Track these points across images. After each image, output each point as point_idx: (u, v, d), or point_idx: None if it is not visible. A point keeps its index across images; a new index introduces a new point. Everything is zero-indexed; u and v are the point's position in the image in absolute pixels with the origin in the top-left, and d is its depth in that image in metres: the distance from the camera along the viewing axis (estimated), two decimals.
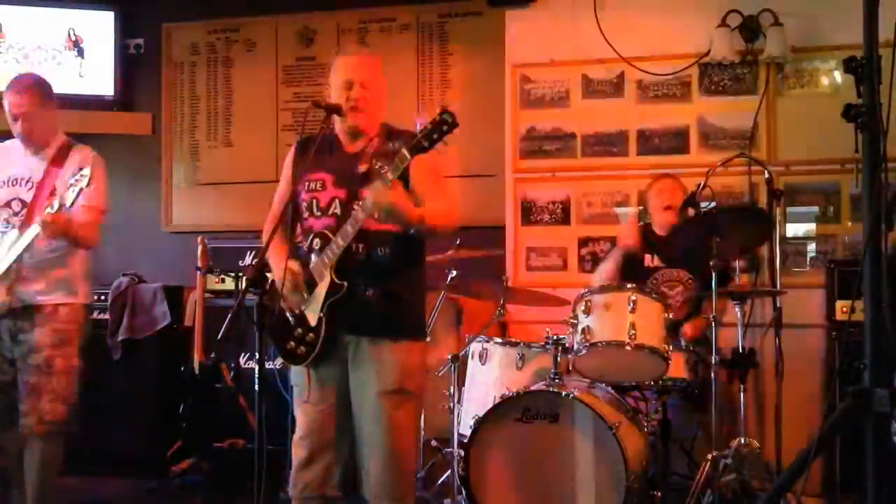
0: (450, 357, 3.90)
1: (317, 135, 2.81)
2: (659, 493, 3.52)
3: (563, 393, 3.35)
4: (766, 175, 4.23)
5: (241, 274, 4.74)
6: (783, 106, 4.70)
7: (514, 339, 3.90)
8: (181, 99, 5.79)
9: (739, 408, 3.79)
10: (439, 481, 4.08)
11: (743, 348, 3.81)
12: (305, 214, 2.86)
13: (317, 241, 2.78)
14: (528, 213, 5.01)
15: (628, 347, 3.44)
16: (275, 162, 5.51)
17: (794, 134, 4.67)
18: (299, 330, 2.78)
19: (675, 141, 4.84)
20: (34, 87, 3.51)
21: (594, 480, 3.30)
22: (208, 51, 5.76)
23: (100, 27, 5.63)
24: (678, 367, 3.68)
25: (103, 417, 4.58)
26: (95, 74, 5.62)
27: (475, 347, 3.90)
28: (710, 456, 3.52)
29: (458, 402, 3.85)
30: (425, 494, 4.04)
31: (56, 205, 3.22)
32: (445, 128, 2.51)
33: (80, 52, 5.58)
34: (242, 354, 4.76)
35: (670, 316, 3.60)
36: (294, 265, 2.78)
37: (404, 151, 2.55)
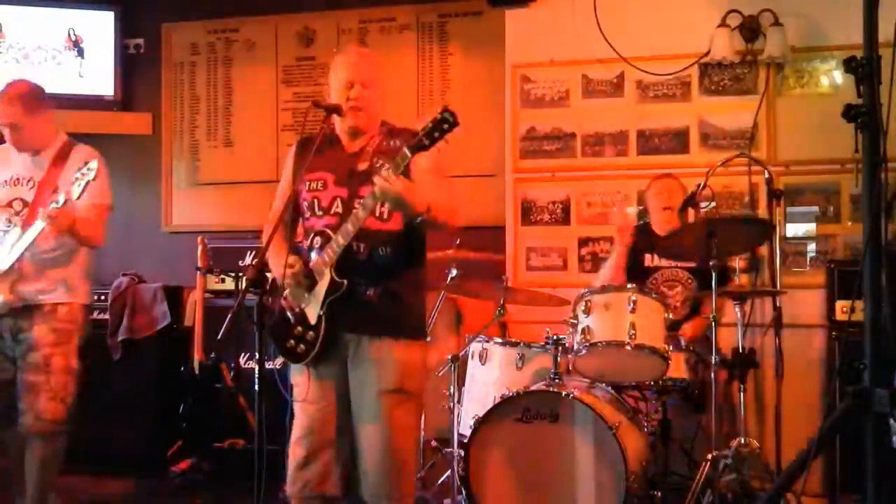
0: (450, 357, 3.90)
1: (317, 134, 2.81)
2: (659, 493, 3.52)
3: (563, 393, 3.35)
4: (766, 175, 4.23)
5: (241, 274, 4.74)
6: (783, 106, 4.70)
7: (514, 339, 3.90)
8: (181, 99, 5.80)
9: (739, 408, 3.79)
10: (439, 481, 4.08)
11: (743, 348, 3.81)
12: (307, 214, 2.86)
13: (318, 239, 2.79)
14: (528, 213, 5.01)
15: (628, 347, 3.44)
16: (275, 162, 5.51)
17: (794, 134, 4.66)
18: (299, 328, 2.78)
19: (675, 141, 4.84)
20: (20, 98, 3.49)
21: (594, 480, 3.30)
22: (208, 51, 5.76)
23: (100, 27, 5.64)
24: (678, 367, 3.68)
25: (103, 417, 4.58)
26: (95, 74, 5.62)
27: (475, 347, 3.90)
28: (710, 456, 3.52)
29: (458, 402, 3.85)
30: (425, 494, 4.04)
31: (62, 199, 3.22)
32: (446, 126, 2.50)
33: (80, 52, 5.59)
34: (242, 354, 4.76)
35: (670, 316, 3.60)
36: (292, 259, 2.77)
37: (405, 150, 2.55)
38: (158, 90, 5.80)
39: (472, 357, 3.90)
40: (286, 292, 2.77)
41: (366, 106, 2.81)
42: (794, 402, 4.18)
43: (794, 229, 4.70)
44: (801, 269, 4.64)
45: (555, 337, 3.60)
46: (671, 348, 3.54)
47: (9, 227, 3.46)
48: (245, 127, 5.69)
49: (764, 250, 4.55)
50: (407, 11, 5.45)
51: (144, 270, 5.25)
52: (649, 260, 4.24)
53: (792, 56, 4.63)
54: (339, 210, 2.77)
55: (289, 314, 2.80)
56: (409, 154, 2.54)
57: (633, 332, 3.43)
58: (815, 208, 4.67)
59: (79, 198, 3.22)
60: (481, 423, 3.42)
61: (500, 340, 3.87)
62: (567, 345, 3.57)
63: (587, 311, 3.55)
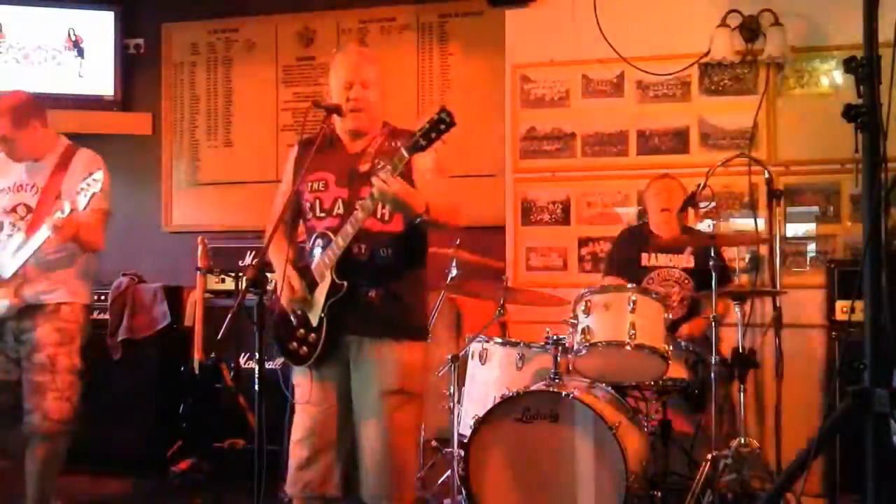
0: (450, 357, 3.89)
1: (318, 135, 2.81)
2: (659, 493, 3.52)
3: (563, 393, 3.35)
4: (766, 175, 4.23)
5: (241, 274, 4.74)
6: (783, 106, 4.70)
7: (514, 339, 3.90)
8: (181, 99, 5.80)
9: (739, 408, 3.79)
10: (439, 481, 4.08)
11: (743, 348, 3.81)
12: (309, 215, 2.86)
13: (319, 241, 2.79)
14: (528, 213, 5.01)
15: (628, 347, 3.44)
16: (275, 162, 5.51)
17: (794, 134, 4.67)
18: (301, 331, 2.78)
19: (675, 141, 4.84)
20: (9, 111, 3.49)
21: (594, 480, 3.29)
22: (208, 51, 5.76)
23: (100, 27, 5.64)
24: (678, 367, 3.68)
25: (103, 417, 4.57)
26: (95, 74, 5.62)
27: (475, 347, 3.90)
28: (710, 456, 3.52)
29: (458, 402, 3.85)
30: (425, 494, 4.04)
31: (67, 209, 3.24)
32: (443, 126, 2.50)
33: (80, 52, 5.58)
34: (242, 354, 4.76)
35: (670, 316, 3.60)
36: (295, 281, 2.76)
37: (402, 150, 2.55)
38: (158, 90, 5.80)
39: (472, 357, 3.91)
40: (286, 304, 2.78)
41: (366, 107, 2.81)
42: (794, 402, 4.18)
43: (794, 229, 4.70)
44: (801, 269, 4.64)
45: (555, 337, 3.60)
46: (671, 348, 3.54)
47: (13, 231, 3.49)
48: (245, 127, 5.69)
49: (764, 250, 4.56)
50: (407, 11, 5.45)
51: (144, 270, 5.24)
52: (646, 259, 4.24)
53: (792, 56, 4.63)
54: (341, 211, 2.77)
55: (291, 317, 2.81)
56: (406, 154, 2.54)
57: (633, 332, 3.43)
58: (815, 208, 4.67)
59: (84, 208, 3.25)
60: (481, 423, 3.42)
61: (500, 340, 3.87)
62: (567, 345, 3.56)
63: (587, 311, 3.55)
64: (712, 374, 3.54)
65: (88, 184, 3.23)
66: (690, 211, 4.08)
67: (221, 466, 4.47)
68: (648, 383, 3.69)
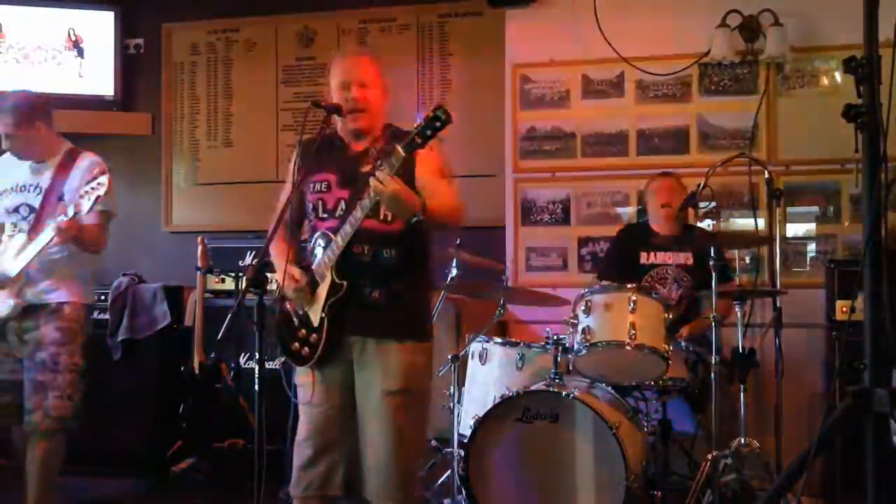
0: (450, 357, 3.90)
1: (321, 135, 2.82)
2: (659, 493, 3.52)
3: (563, 393, 3.35)
4: (766, 175, 4.23)
5: (241, 274, 4.74)
6: (783, 106, 4.70)
7: (514, 339, 3.90)
8: (181, 99, 5.80)
9: (739, 408, 3.78)
10: (439, 481, 4.08)
11: (743, 348, 3.81)
12: (312, 216, 2.87)
13: (320, 241, 2.79)
14: (528, 213, 5.01)
15: (628, 347, 3.44)
16: (275, 162, 5.51)
17: (794, 134, 4.67)
18: (303, 331, 2.78)
19: (675, 141, 4.84)
20: (13, 111, 3.52)
21: (594, 480, 3.30)
22: (208, 51, 5.76)
23: (100, 27, 5.64)
24: (678, 367, 3.68)
25: (103, 417, 4.57)
26: (95, 74, 5.62)
27: (475, 347, 3.90)
28: (710, 456, 3.51)
29: (458, 402, 3.85)
30: (425, 494, 4.03)
31: (71, 212, 3.27)
32: (438, 124, 2.50)
33: (80, 52, 5.58)
34: (242, 354, 4.76)
35: (670, 316, 3.60)
36: (296, 271, 2.78)
37: (399, 149, 2.55)
38: (158, 90, 5.80)
39: (472, 357, 3.90)
40: (289, 297, 2.78)
41: (365, 106, 2.80)
42: (794, 402, 4.18)
43: (794, 229, 4.70)
44: (801, 269, 4.64)
45: (555, 337, 3.60)
46: (671, 348, 3.54)
47: (14, 231, 3.52)
48: (245, 127, 5.69)
49: (764, 250, 4.55)
50: (407, 11, 5.45)
51: (144, 270, 5.25)
52: (645, 257, 4.24)
53: (792, 56, 4.63)
54: (343, 212, 2.77)
55: (293, 317, 2.81)
56: (402, 153, 2.54)
57: (633, 332, 3.43)
58: (815, 208, 4.67)
59: (88, 212, 3.27)
60: (481, 423, 3.42)
61: (500, 340, 3.87)
62: (567, 345, 3.56)
63: (587, 311, 3.55)
64: (712, 374, 3.53)
65: (93, 187, 3.25)
66: (690, 211, 4.08)
67: (221, 466, 4.47)
68: (648, 383, 3.68)
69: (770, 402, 4.13)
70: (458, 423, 3.81)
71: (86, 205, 3.24)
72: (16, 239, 3.47)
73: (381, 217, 2.73)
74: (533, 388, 3.46)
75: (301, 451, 2.80)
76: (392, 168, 2.54)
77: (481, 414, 3.45)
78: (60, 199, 3.44)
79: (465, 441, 3.49)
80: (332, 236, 2.72)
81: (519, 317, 4.64)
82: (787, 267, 4.56)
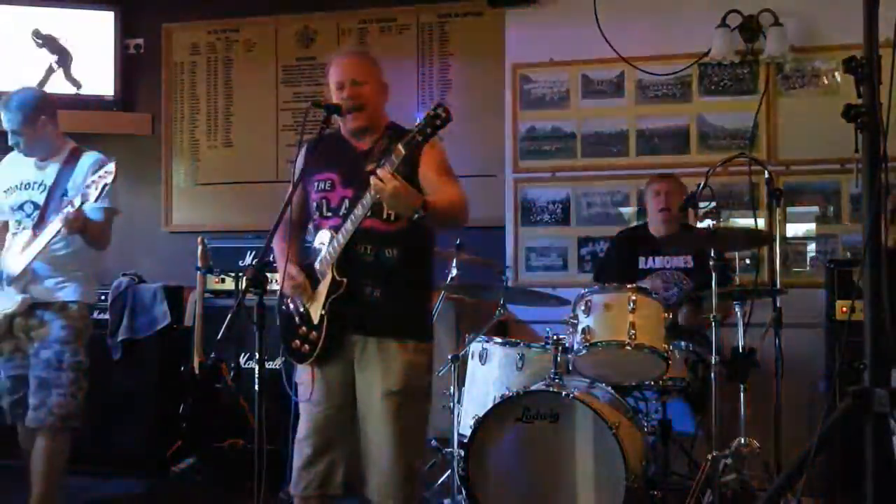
0: (450, 357, 3.90)
1: (325, 135, 2.83)
2: (659, 493, 3.52)
3: (563, 393, 3.35)
4: (766, 175, 4.23)
5: (241, 274, 4.74)
6: (783, 106, 4.70)
7: (514, 339, 3.89)
8: (181, 99, 5.79)
9: (739, 408, 3.78)
10: (439, 481, 4.08)
11: (743, 348, 3.81)
12: (316, 214, 2.88)
13: (323, 239, 2.80)
14: (528, 213, 5.01)
15: (628, 347, 3.44)
16: (275, 162, 5.51)
17: (794, 134, 4.67)
18: (303, 328, 2.79)
19: (675, 141, 4.84)
20: (19, 109, 3.55)
21: (594, 480, 3.30)
22: (208, 51, 5.76)
23: (100, 27, 5.63)
24: (678, 367, 3.68)
25: (103, 417, 4.58)
26: (95, 74, 5.62)
27: (475, 347, 3.90)
28: (710, 456, 3.51)
29: (458, 402, 3.85)
30: (425, 494, 4.03)
31: (79, 202, 3.29)
32: (439, 122, 2.51)
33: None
34: (242, 354, 4.75)
35: (670, 316, 3.60)
36: (293, 270, 2.78)
37: (399, 147, 2.56)
38: (158, 90, 5.79)
39: (472, 357, 3.90)
40: (288, 294, 2.79)
41: (362, 104, 2.81)
42: (794, 402, 4.18)
43: (794, 229, 4.70)
44: (801, 269, 4.64)
45: (555, 337, 3.60)
46: (671, 348, 3.54)
47: (19, 229, 3.55)
48: (245, 127, 5.68)
49: (764, 250, 4.55)
50: (407, 11, 5.45)
51: (144, 270, 5.24)
52: (643, 262, 4.23)
53: (792, 56, 4.63)
54: (347, 210, 2.77)
55: (294, 314, 2.81)
56: (403, 151, 2.54)
57: (633, 332, 3.43)
58: (815, 208, 4.67)
59: (96, 200, 3.29)
60: (481, 423, 3.42)
61: (500, 340, 3.87)
62: (567, 345, 3.56)
63: (587, 311, 3.55)
64: (712, 374, 3.53)
65: (101, 176, 3.27)
66: (690, 211, 4.07)
67: (221, 466, 4.47)
68: (648, 383, 3.68)
69: (770, 402, 4.13)
70: (458, 423, 3.81)
71: (93, 194, 3.26)
72: (21, 235, 3.51)
73: (384, 217, 2.73)
74: (533, 388, 3.46)
75: (301, 450, 2.81)
76: (393, 166, 2.55)
77: (481, 414, 3.45)
78: (64, 195, 3.47)
79: (465, 441, 3.49)
80: (335, 234, 2.73)
81: (519, 317, 4.64)
82: (787, 267, 4.56)
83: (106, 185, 3.25)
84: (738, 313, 3.83)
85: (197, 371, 4.60)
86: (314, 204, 2.88)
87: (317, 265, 2.79)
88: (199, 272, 4.75)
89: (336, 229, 2.75)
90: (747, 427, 3.75)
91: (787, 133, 4.68)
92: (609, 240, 4.61)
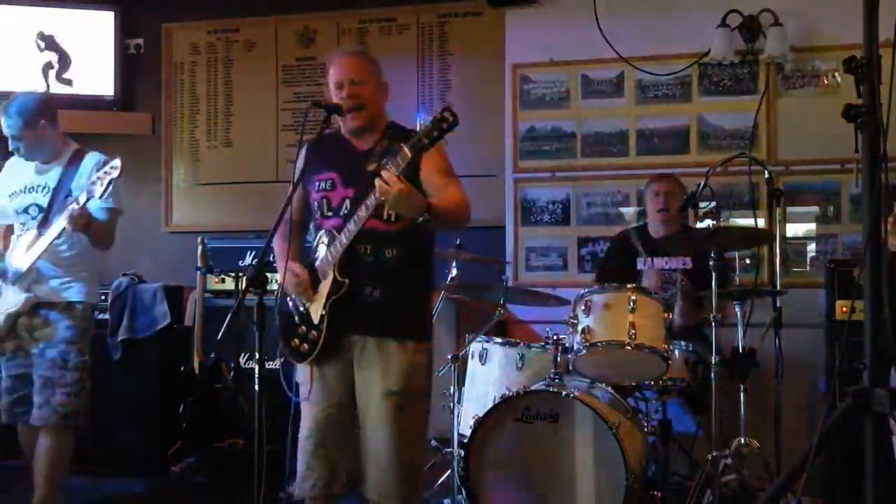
0: (450, 357, 3.90)
1: (325, 135, 2.83)
2: (659, 493, 3.52)
3: (563, 393, 3.35)
4: (766, 175, 4.23)
5: (241, 274, 4.74)
6: (783, 106, 4.70)
7: (514, 339, 3.90)
8: (181, 99, 5.79)
9: (739, 408, 3.79)
10: (439, 481, 4.08)
11: (743, 348, 3.81)
12: (317, 214, 2.88)
13: (324, 239, 2.81)
14: (528, 213, 5.01)
15: (628, 347, 3.44)
16: (275, 162, 5.51)
17: (794, 134, 4.67)
18: (303, 328, 2.80)
19: (675, 141, 4.84)
20: (19, 113, 3.56)
21: (594, 480, 3.30)
22: (208, 51, 5.76)
23: (100, 27, 5.63)
24: (678, 367, 3.68)
25: (103, 417, 4.57)
26: (95, 74, 5.61)
27: (475, 347, 3.90)
28: (710, 456, 3.51)
29: (458, 402, 3.85)
30: (425, 494, 4.03)
31: (84, 198, 3.30)
32: (445, 126, 2.51)
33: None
34: (242, 354, 4.76)
35: (670, 316, 3.60)
36: (297, 267, 2.79)
37: (405, 149, 2.56)
38: (158, 90, 5.79)
39: (472, 357, 3.90)
40: (290, 293, 2.80)
41: (361, 103, 2.81)
42: (794, 402, 4.18)
43: (794, 229, 4.70)
44: (801, 269, 4.64)
45: (555, 337, 3.60)
46: (671, 348, 3.54)
47: (23, 230, 3.56)
48: (245, 127, 5.68)
49: (764, 250, 4.55)
50: (407, 11, 5.45)
51: (144, 270, 5.24)
52: (642, 263, 4.23)
53: (792, 56, 4.63)
54: (348, 210, 2.78)
55: (294, 314, 2.82)
56: (409, 153, 2.55)
57: (633, 332, 3.43)
58: (815, 208, 4.67)
59: (101, 196, 3.29)
60: (481, 423, 3.42)
61: (500, 340, 3.87)
62: (567, 345, 3.56)
63: (587, 311, 3.55)
64: (712, 374, 3.53)
65: (106, 172, 3.28)
66: (690, 211, 4.07)
67: (221, 466, 4.47)
68: (648, 383, 3.68)
69: (770, 402, 4.14)
70: (458, 423, 3.81)
71: (98, 190, 3.27)
72: (26, 236, 3.53)
73: (385, 217, 2.73)
74: (533, 388, 3.46)
75: (304, 450, 2.82)
76: (398, 168, 2.55)
77: (481, 414, 3.45)
78: (68, 196, 3.48)
79: (465, 441, 3.49)
80: (336, 234, 2.73)
81: (519, 317, 4.64)
82: (787, 267, 4.56)
83: (111, 180, 3.26)
84: (738, 313, 3.83)
85: (197, 371, 4.61)
86: (315, 203, 2.88)
87: (318, 265, 2.79)
88: (199, 272, 4.75)
89: (338, 229, 2.75)
90: (747, 427, 3.75)
91: (787, 133, 4.68)
92: (609, 240, 4.61)
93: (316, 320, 2.77)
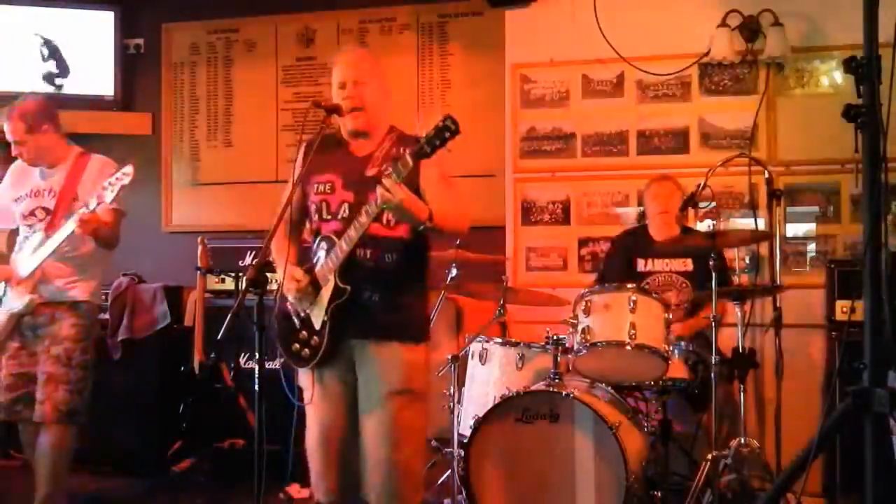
0: (450, 357, 3.89)
1: (319, 134, 2.81)
2: (659, 493, 3.51)
3: (563, 393, 3.35)
4: (766, 175, 4.23)
5: (241, 274, 4.74)
6: (783, 106, 4.70)
7: (514, 339, 3.89)
8: (181, 99, 5.80)
9: (739, 408, 3.79)
10: (439, 481, 4.08)
11: (743, 348, 3.81)
12: (315, 217, 2.86)
13: (323, 244, 2.80)
14: (528, 213, 5.01)
15: (628, 347, 3.44)
16: (275, 162, 5.51)
17: (794, 134, 4.66)
18: (304, 333, 2.79)
19: (675, 141, 4.84)
20: (24, 116, 3.59)
21: (594, 480, 3.29)
22: (208, 51, 5.76)
23: (100, 27, 5.63)
24: (678, 367, 3.68)
25: (103, 417, 4.55)
26: (95, 74, 5.62)
27: (475, 347, 3.90)
28: (710, 456, 3.51)
29: (458, 402, 3.85)
30: (425, 494, 4.03)
31: (93, 204, 3.32)
32: (448, 134, 2.51)
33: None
34: (242, 354, 4.76)
35: (670, 317, 3.60)
36: (297, 272, 2.78)
37: (407, 157, 2.55)
38: (158, 90, 5.80)
39: (472, 357, 3.90)
40: (290, 298, 2.79)
41: (362, 104, 2.80)
42: (794, 402, 4.18)
43: (794, 229, 4.70)
44: (801, 269, 4.64)
45: (555, 337, 3.60)
46: (671, 349, 3.54)
47: (30, 233, 3.60)
48: (245, 127, 5.69)
49: (764, 250, 4.55)
50: (407, 11, 5.45)
51: (144, 270, 5.24)
52: (643, 264, 4.23)
53: (792, 56, 4.63)
54: (347, 214, 2.77)
55: (294, 318, 2.81)
56: (410, 161, 2.54)
57: (633, 332, 3.43)
58: (815, 208, 4.67)
59: (112, 202, 3.32)
60: (481, 423, 3.42)
61: (500, 340, 3.87)
62: (567, 345, 3.56)
63: (587, 311, 3.55)
64: (712, 374, 3.53)
65: (118, 178, 3.30)
66: (690, 211, 4.07)
67: (221, 466, 4.47)
68: (648, 383, 3.68)
69: (770, 402, 4.14)
70: (458, 423, 3.81)
71: (109, 195, 3.29)
72: (33, 238, 3.56)
73: (384, 222, 2.73)
74: (533, 388, 3.46)
75: (314, 457, 2.82)
76: (399, 176, 2.54)
77: (481, 414, 3.45)
78: (75, 199, 3.51)
79: (465, 441, 3.49)
80: (336, 240, 2.72)
81: (519, 317, 4.64)
82: (787, 267, 4.56)
83: (123, 186, 3.29)
84: (738, 313, 3.83)
85: (197, 371, 4.60)
86: (313, 206, 2.86)
87: (317, 270, 2.79)
88: (199, 272, 4.75)
89: (337, 234, 2.74)
90: (747, 427, 3.76)
91: (787, 133, 4.68)
92: (609, 240, 4.61)
93: (318, 326, 2.76)
